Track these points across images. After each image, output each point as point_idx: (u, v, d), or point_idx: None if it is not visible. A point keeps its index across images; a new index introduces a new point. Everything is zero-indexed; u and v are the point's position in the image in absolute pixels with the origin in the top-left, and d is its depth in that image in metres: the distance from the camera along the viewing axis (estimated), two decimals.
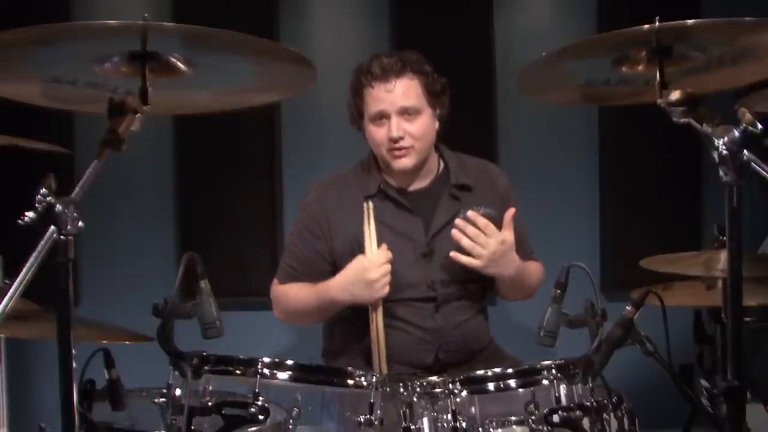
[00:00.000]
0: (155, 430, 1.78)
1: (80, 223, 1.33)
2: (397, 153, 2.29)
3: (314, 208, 2.39)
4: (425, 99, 2.31)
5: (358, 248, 2.28)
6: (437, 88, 2.34)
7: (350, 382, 1.78)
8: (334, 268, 2.33)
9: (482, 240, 2.22)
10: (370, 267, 2.19)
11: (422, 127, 2.30)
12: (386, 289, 2.19)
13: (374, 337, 2.22)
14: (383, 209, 2.34)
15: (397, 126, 2.27)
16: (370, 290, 2.19)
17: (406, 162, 2.31)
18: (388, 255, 2.20)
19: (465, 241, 2.22)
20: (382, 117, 2.28)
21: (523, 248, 2.40)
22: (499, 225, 2.27)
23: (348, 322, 2.38)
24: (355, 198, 2.34)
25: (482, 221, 2.22)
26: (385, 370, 2.19)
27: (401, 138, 2.27)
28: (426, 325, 2.31)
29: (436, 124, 2.36)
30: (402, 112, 2.27)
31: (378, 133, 2.30)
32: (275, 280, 2.45)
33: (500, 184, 2.47)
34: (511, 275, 2.29)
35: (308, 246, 2.39)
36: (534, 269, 2.46)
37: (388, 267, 2.20)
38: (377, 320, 2.22)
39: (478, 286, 2.38)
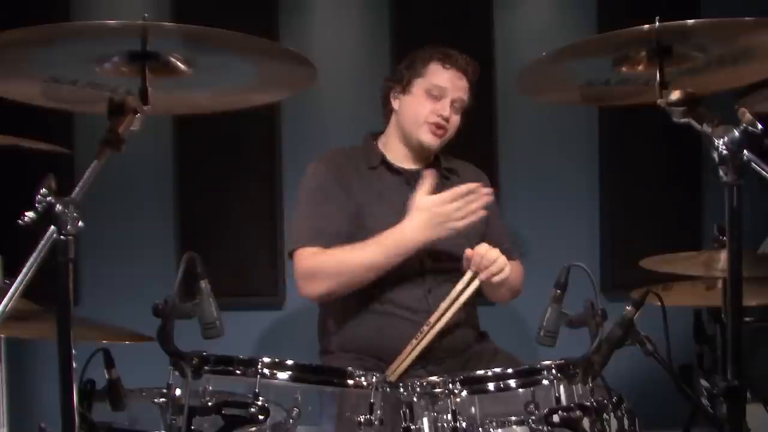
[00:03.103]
0: (155, 430, 1.78)
1: (80, 223, 1.33)
2: (435, 130, 2.44)
3: (326, 172, 2.46)
4: (465, 107, 2.51)
5: (362, 215, 2.39)
6: (470, 105, 2.53)
7: (350, 382, 1.79)
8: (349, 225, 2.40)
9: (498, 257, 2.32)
10: (439, 202, 2.29)
11: (457, 122, 2.50)
12: (460, 223, 2.28)
13: (409, 349, 2.25)
14: (385, 180, 2.48)
15: (449, 108, 2.45)
16: (442, 224, 2.27)
17: (436, 140, 2.47)
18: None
19: (493, 268, 2.29)
20: (439, 94, 2.44)
21: (503, 247, 2.48)
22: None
23: (343, 322, 2.42)
24: (360, 168, 2.48)
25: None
26: (397, 375, 2.21)
27: (447, 119, 2.44)
28: (420, 308, 2.36)
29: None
30: (455, 102, 2.46)
31: (427, 105, 2.45)
32: (302, 252, 2.38)
33: (482, 178, 2.61)
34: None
35: (331, 199, 2.42)
36: (513, 268, 2.48)
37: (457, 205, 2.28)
38: (428, 334, 2.26)
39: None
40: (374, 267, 2.32)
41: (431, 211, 2.27)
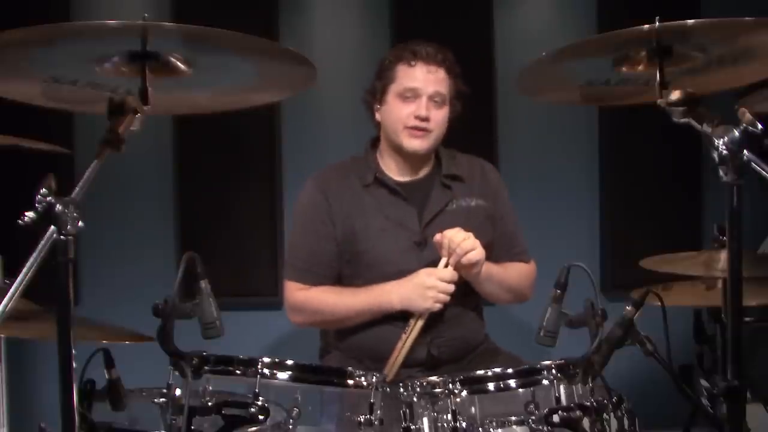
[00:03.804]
0: (155, 430, 1.78)
1: (80, 223, 1.33)
2: (416, 132, 2.33)
3: (317, 198, 2.41)
4: (449, 97, 2.38)
5: (356, 237, 2.35)
6: (459, 91, 2.41)
7: (350, 382, 1.79)
8: (340, 257, 2.38)
9: (467, 239, 2.26)
10: (434, 275, 2.25)
11: (443, 117, 2.37)
12: (437, 305, 2.24)
13: (399, 346, 2.23)
14: (379, 197, 2.39)
15: (426, 106, 2.32)
16: (424, 296, 2.24)
17: (421, 143, 2.35)
18: (455, 277, 2.25)
19: (459, 251, 2.24)
20: (413, 95, 2.33)
21: (513, 250, 2.48)
22: (490, 216, 2.41)
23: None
24: (354, 187, 2.40)
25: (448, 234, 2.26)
26: (393, 375, 2.19)
27: (427, 119, 2.32)
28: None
29: (446, 124, 2.41)
30: (433, 97, 2.33)
31: (403, 109, 2.34)
32: (291, 284, 2.41)
33: (492, 177, 2.52)
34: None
35: (319, 235, 2.39)
36: (515, 269, 2.47)
37: (451, 287, 2.25)
38: (414, 328, 2.24)
39: (468, 284, 2.38)
40: (357, 317, 2.34)
41: (425, 278, 2.25)
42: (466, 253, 2.23)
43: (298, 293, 2.40)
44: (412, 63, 2.34)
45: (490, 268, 2.33)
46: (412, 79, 2.34)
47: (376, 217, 2.36)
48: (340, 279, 2.40)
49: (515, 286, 2.46)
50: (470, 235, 2.25)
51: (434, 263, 2.30)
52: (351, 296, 2.34)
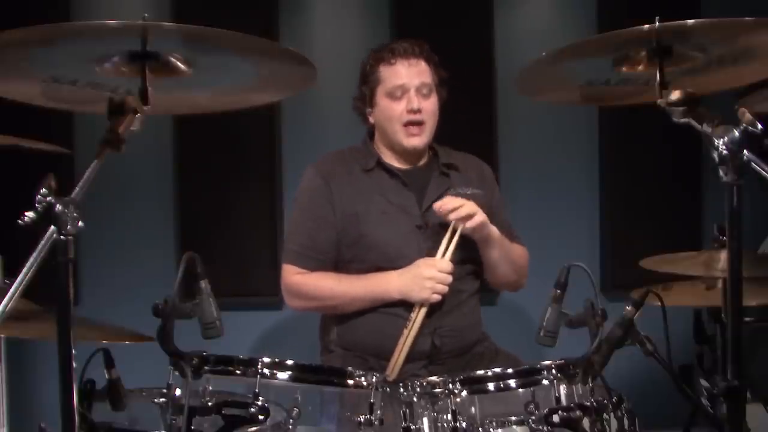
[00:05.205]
0: (155, 430, 1.78)
1: (80, 223, 1.33)
2: (412, 130, 2.39)
3: (317, 183, 2.44)
4: (434, 85, 2.43)
5: (357, 220, 2.37)
6: (442, 77, 2.46)
7: (350, 382, 1.79)
8: (339, 242, 2.40)
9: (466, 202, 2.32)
10: (434, 266, 2.27)
11: (434, 105, 2.43)
12: (437, 297, 2.26)
13: (402, 341, 2.24)
14: (380, 182, 2.44)
15: (416, 99, 2.38)
16: (423, 288, 2.26)
17: (419, 140, 2.41)
18: (453, 267, 2.28)
19: (462, 210, 2.28)
20: (401, 91, 2.38)
21: (512, 234, 2.53)
22: (486, 205, 2.40)
23: (343, 321, 2.41)
24: (355, 172, 2.45)
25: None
26: (397, 372, 2.20)
27: (419, 111, 2.37)
28: None
29: (438, 112, 2.46)
30: (420, 88, 2.39)
31: (396, 107, 2.39)
32: (290, 268, 2.42)
33: (486, 172, 2.59)
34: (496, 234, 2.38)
35: (318, 221, 2.41)
36: (517, 246, 2.53)
37: (449, 278, 2.27)
38: (416, 321, 2.25)
39: (469, 268, 2.41)
40: (355, 304, 2.36)
41: (424, 269, 2.27)
42: (471, 214, 2.28)
43: (295, 276, 2.41)
44: (392, 61, 2.41)
45: (495, 231, 2.37)
46: (397, 76, 2.39)
47: (377, 201, 2.40)
48: (340, 263, 2.41)
49: (517, 260, 2.50)
50: (465, 200, 2.31)
51: (434, 246, 2.32)
52: (349, 282, 2.36)
